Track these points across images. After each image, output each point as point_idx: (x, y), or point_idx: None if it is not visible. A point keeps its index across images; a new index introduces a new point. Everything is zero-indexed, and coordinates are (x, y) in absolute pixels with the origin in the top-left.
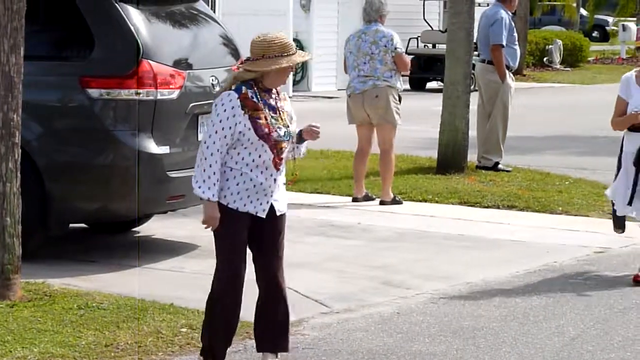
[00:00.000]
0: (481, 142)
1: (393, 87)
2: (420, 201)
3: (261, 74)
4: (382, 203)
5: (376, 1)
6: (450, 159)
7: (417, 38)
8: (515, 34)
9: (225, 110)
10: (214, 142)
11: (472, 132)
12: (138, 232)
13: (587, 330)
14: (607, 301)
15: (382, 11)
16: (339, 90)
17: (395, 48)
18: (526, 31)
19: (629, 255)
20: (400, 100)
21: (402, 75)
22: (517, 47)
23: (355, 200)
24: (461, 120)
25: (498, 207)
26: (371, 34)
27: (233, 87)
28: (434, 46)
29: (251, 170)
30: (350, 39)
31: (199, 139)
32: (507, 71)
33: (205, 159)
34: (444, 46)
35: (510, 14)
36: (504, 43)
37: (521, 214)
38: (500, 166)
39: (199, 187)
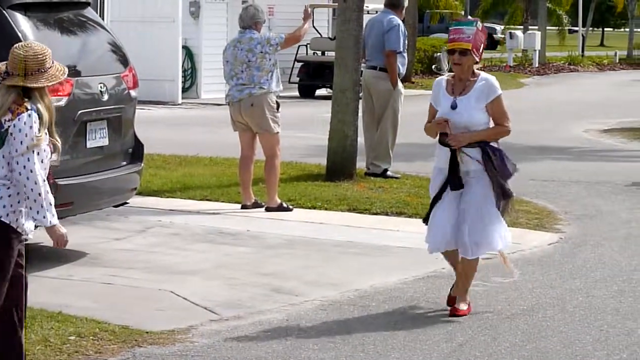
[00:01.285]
0: (370, 148)
1: (270, 93)
2: (310, 208)
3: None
4: (267, 210)
5: (252, 8)
6: (339, 166)
7: (306, 45)
8: (406, 41)
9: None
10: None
11: (361, 139)
12: (25, 240)
13: (475, 336)
14: (495, 307)
15: (257, 18)
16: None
17: (277, 44)
18: (415, 39)
19: (517, 261)
20: (278, 108)
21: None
22: (405, 55)
23: (244, 207)
24: (350, 127)
25: (387, 214)
26: (246, 42)
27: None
28: (323, 53)
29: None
30: (227, 48)
31: (88, 145)
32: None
33: (39, 184)
34: (333, 53)
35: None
36: (401, 49)
37: (410, 221)
38: (389, 173)
39: (52, 216)
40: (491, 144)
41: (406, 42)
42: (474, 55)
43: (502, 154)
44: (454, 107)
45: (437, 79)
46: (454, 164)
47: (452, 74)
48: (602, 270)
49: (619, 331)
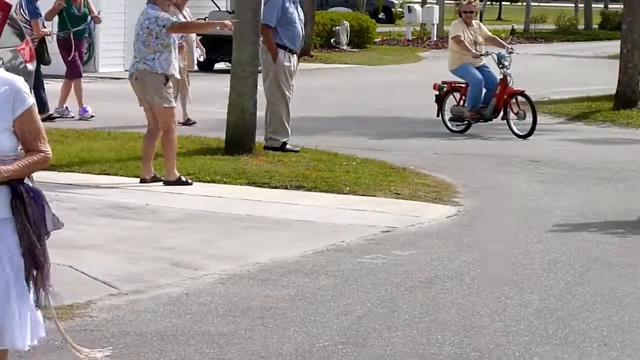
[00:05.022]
0: (267, 122)
1: (153, 72)
2: (209, 182)
3: None
4: (166, 183)
5: None
6: (238, 140)
7: (204, 19)
8: (294, 15)
9: None
10: None
11: (261, 113)
12: None
13: (374, 308)
14: (394, 280)
15: None
16: (126, 71)
17: (164, 25)
18: (313, 12)
19: (415, 234)
20: (167, 82)
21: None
22: (294, 28)
23: (143, 181)
24: (249, 100)
25: (286, 188)
26: (143, 15)
27: None
28: None
29: None
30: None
31: None
32: (282, 51)
33: None
34: None
35: None
36: (273, 24)
37: (309, 194)
38: (288, 146)
39: None
40: (26, 181)
41: (291, 16)
42: None
43: (41, 200)
44: None
45: None
46: None
47: None
48: (499, 243)
49: (516, 303)
